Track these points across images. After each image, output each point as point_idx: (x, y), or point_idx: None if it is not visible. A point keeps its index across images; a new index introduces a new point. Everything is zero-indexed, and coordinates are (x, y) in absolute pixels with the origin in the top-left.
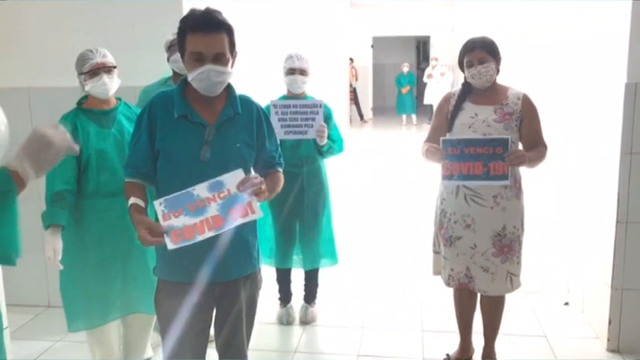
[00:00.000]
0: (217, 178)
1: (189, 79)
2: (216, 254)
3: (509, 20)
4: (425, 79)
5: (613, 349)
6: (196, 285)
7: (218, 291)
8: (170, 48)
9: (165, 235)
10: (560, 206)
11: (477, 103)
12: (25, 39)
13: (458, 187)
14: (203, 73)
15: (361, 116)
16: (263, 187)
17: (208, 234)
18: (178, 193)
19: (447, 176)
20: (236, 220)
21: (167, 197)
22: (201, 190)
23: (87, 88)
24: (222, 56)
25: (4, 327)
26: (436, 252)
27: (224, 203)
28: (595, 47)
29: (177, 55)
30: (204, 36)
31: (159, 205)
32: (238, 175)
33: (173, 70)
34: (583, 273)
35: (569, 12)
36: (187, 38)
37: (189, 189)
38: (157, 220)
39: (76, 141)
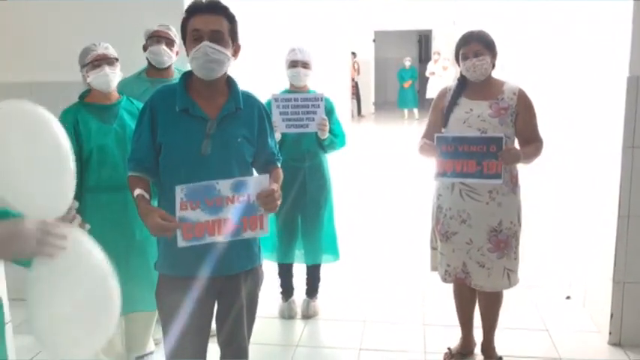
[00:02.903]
0: (242, 178)
1: (189, 61)
2: (217, 249)
3: (511, 13)
4: (427, 75)
5: (615, 343)
6: (197, 279)
7: (219, 285)
8: (150, 38)
9: (177, 230)
10: (562, 200)
11: (472, 98)
12: (28, 34)
13: (453, 182)
14: (199, 50)
15: (359, 111)
16: (278, 202)
17: (217, 238)
18: (201, 183)
19: (440, 173)
20: (245, 231)
21: (189, 185)
22: (224, 186)
23: (89, 79)
24: (220, 35)
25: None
26: (433, 248)
27: (240, 208)
28: (597, 41)
29: (156, 47)
30: (204, 15)
31: (180, 192)
32: (263, 180)
33: (149, 63)
34: (585, 267)
35: (571, 5)
36: (188, 23)
37: (212, 181)
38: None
39: (78, 137)
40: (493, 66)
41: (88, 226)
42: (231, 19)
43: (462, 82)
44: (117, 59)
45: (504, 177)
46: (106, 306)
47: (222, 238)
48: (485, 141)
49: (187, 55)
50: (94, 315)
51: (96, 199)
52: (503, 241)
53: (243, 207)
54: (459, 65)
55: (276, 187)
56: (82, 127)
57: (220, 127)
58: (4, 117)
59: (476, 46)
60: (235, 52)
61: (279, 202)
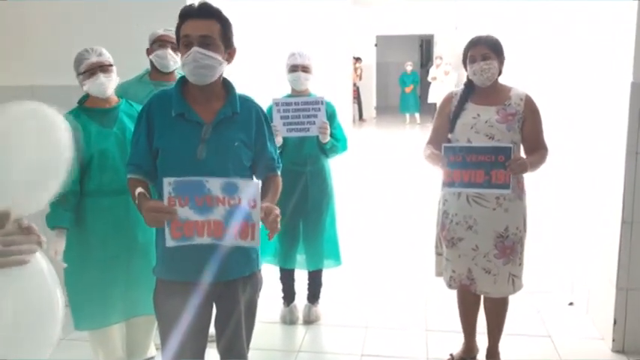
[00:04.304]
0: (232, 180)
1: (181, 66)
2: (215, 254)
3: (514, 18)
4: (429, 79)
5: (618, 350)
6: (195, 285)
7: (217, 291)
8: (155, 42)
9: (166, 225)
10: (565, 206)
11: (479, 104)
12: (29, 37)
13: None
14: (189, 56)
15: (360, 115)
16: (277, 226)
17: (206, 240)
18: (190, 178)
19: (448, 183)
20: (235, 239)
21: (177, 179)
22: (213, 184)
23: (85, 87)
24: (210, 40)
25: None
26: (438, 253)
27: (231, 212)
28: (600, 46)
29: (162, 51)
30: (194, 21)
31: (168, 185)
32: (253, 186)
33: (152, 66)
34: (588, 273)
35: (575, 10)
36: (181, 28)
37: (202, 178)
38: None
39: (78, 142)
40: (500, 72)
41: (64, 265)
42: (223, 23)
43: (469, 87)
44: (111, 65)
45: (511, 183)
46: (48, 319)
47: (211, 240)
48: (493, 151)
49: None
50: (33, 328)
51: (97, 203)
52: (509, 247)
53: (233, 211)
54: (465, 69)
55: (278, 212)
56: (82, 131)
57: (217, 132)
58: (13, 116)
59: (484, 49)
60: (230, 56)
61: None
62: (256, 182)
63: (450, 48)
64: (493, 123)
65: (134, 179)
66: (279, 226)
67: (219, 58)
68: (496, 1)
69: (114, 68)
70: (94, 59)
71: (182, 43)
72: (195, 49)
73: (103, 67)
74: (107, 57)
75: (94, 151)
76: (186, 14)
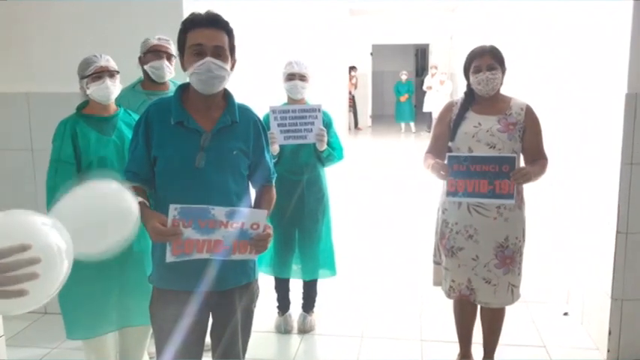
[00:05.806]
0: (238, 209)
1: (189, 74)
2: (212, 264)
3: (508, 29)
4: (424, 89)
5: None
6: (191, 294)
7: (213, 300)
8: (150, 52)
9: (167, 243)
10: (561, 216)
11: (480, 113)
12: (25, 44)
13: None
14: (203, 65)
15: (356, 124)
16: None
17: (205, 255)
18: (196, 206)
19: (452, 192)
20: (235, 253)
21: (184, 206)
22: (219, 212)
23: (89, 91)
24: (222, 50)
25: None
26: (436, 263)
27: (232, 233)
28: (595, 58)
29: (158, 62)
30: (205, 30)
31: (173, 210)
32: (260, 215)
33: (145, 75)
34: (583, 283)
35: (570, 22)
36: (188, 36)
37: (208, 206)
38: None
39: (77, 148)
40: (501, 83)
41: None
42: (230, 34)
43: (470, 96)
44: (117, 72)
45: (513, 200)
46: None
47: (210, 256)
48: (497, 160)
49: (184, 68)
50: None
51: None
52: (509, 257)
53: (235, 233)
54: (467, 79)
55: (271, 232)
56: (80, 138)
57: (216, 140)
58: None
59: (490, 59)
60: (232, 67)
61: (268, 246)
62: (263, 211)
63: (446, 57)
64: (494, 132)
65: (132, 187)
66: (265, 249)
67: (228, 68)
68: (491, 12)
69: (118, 76)
70: (102, 63)
71: (192, 52)
72: (209, 59)
73: (110, 73)
74: (113, 64)
75: (92, 158)
76: (196, 22)
